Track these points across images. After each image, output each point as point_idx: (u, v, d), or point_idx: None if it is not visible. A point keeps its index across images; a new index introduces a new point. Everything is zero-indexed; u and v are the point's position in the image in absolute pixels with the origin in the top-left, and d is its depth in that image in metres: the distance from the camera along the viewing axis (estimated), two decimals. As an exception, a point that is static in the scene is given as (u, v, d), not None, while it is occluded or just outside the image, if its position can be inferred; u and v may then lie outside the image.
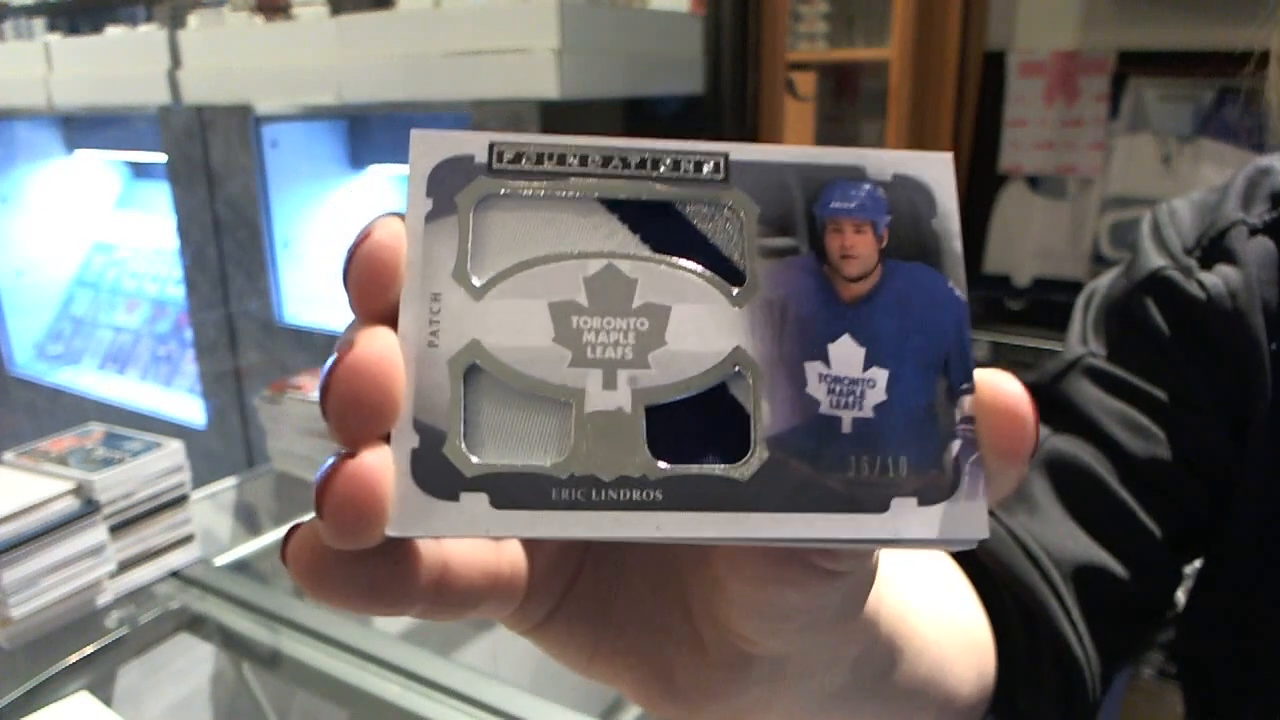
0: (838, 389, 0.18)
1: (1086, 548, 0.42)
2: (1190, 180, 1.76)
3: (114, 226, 2.66)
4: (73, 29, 2.51)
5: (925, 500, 0.18)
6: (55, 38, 2.37)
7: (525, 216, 0.19)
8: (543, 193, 0.19)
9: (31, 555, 0.95)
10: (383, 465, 0.17)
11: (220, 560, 1.17)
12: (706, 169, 0.19)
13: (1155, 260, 0.46)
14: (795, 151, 0.20)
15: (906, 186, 0.20)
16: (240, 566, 1.19)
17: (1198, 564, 0.49)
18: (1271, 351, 0.43)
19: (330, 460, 0.16)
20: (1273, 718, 0.44)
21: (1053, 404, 0.46)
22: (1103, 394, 0.45)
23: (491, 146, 0.19)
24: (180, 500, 1.11)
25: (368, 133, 2.06)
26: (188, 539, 1.12)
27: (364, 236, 0.18)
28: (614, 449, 0.18)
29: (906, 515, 0.18)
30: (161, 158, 2.14)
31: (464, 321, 0.18)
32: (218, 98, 1.95)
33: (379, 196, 2.11)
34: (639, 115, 1.73)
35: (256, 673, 1.05)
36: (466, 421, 0.18)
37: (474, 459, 0.17)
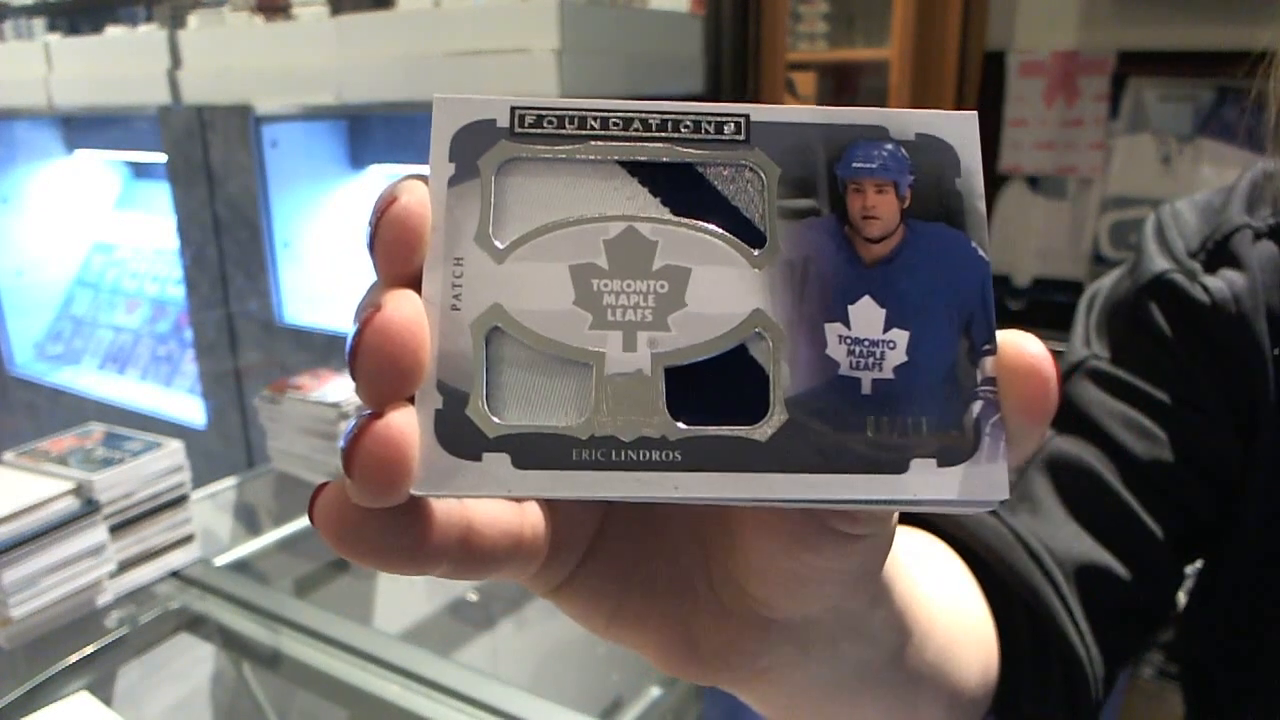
0: (858, 350, 0.18)
1: (1089, 548, 0.42)
2: (1190, 180, 1.76)
3: (114, 226, 2.66)
4: (73, 29, 2.51)
5: (945, 461, 0.18)
6: (55, 38, 2.38)
7: (547, 180, 0.19)
8: (564, 156, 0.19)
9: (31, 555, 0.95)
10: (409, 425, 0.17)
11: (220, 560, 1.17)
12: (727, 130, 0.19)
13: (1159, 263, 0.46)
14: (817, 112, 0.19)
15: (930, 146, 0.19)
16: (240, 566, 1.19)
17: (1199, 564, 0.49)
18: (1275, 355, 0.43)
19: (357, 420, 0.17)
20: (1273, 718, 0.44)
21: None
22: (1106, 396, 0.45)
23: (513, 111, 0.19)
24: (180, 500, 1.11)
25: (368, 133, 2.06)
26: (188, 539, 1.12)
27: (390, 200, 0.18)
28: (634, 410, 0.18)
29: (926, 476, 0.18)
30: (161, 158, 2.14)
31: (486, 285, 0.18)
32: (218, 98, 1.95)
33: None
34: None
35: (256, 673, 1.05)
36: (489, 383, 0.18)
37: (496, 420, 0.18)
